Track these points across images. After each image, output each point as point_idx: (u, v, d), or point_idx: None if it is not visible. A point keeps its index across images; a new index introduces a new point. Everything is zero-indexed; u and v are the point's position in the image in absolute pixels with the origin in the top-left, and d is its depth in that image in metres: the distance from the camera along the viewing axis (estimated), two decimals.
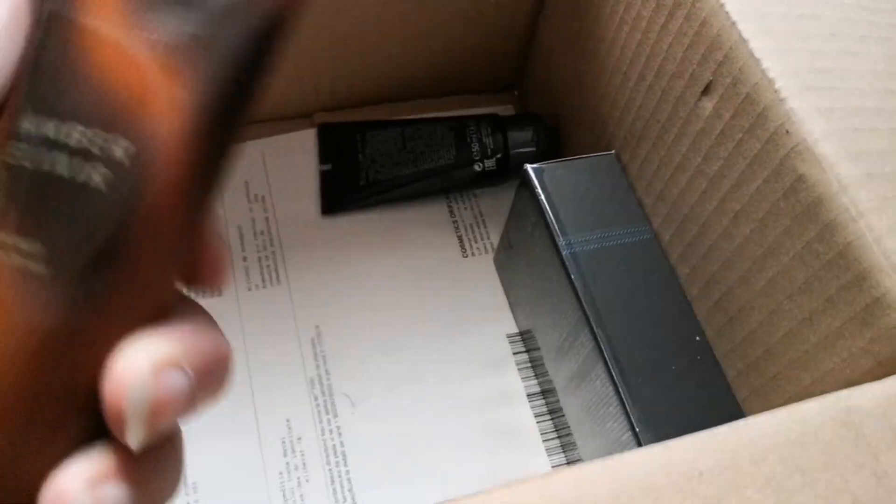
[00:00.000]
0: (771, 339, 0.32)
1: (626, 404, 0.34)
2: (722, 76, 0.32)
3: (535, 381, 0.47)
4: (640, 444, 0.34)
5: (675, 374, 0.35)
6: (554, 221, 0.38)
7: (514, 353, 0.48)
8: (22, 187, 0.15)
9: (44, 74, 0.15)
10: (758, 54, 0.30)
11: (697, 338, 0.36)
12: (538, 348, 0.46)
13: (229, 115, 0.15)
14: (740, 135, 0.31)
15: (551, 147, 0.52)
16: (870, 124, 0.29)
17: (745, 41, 0.30)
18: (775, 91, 0.29)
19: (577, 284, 0.37)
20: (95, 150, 0.14)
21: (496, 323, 0.50)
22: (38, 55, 0.15)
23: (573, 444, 0.43)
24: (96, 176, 0.14)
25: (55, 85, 0.15)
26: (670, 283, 0.38)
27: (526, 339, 0.48)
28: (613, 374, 0.35)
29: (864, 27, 0.33)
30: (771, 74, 0.29)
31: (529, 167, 0.40)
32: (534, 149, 0.52)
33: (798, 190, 0.28)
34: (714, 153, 0.33)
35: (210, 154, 0.15)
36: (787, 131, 0.29)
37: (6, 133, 0.15)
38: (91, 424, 0.16)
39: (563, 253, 0.38)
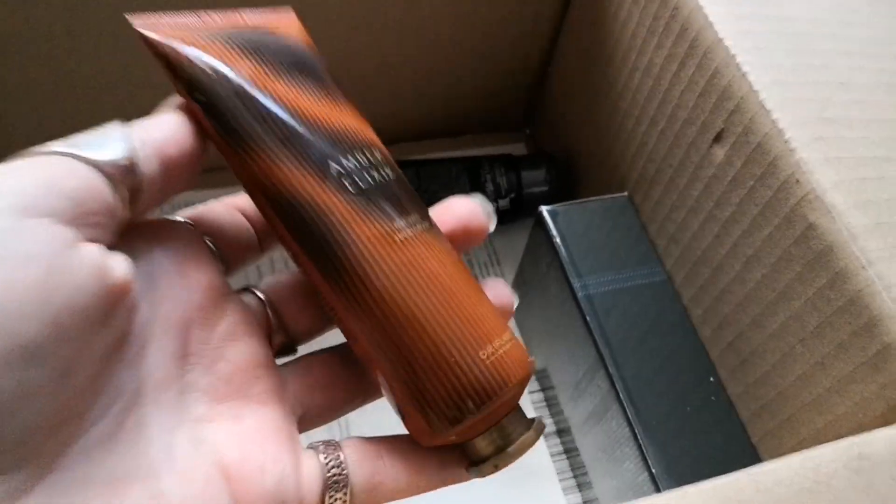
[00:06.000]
0: (784, 382, 0.32)
1: (643, 445, 0.35)
2: (733, 125, 0.33)
3: (551, 420, 0.48)
4: (656, 485, 0.34)
5: (689, 414, 0.36)
6: (569, 263, 0.39)
7: (530, 392, 0.49)
8: None
9: None
10: (768, 105, 0.31)
11: (711, 378, 0.37)
12: (553, 387, 0.46)
13: None
14: (752, 182, 0.32)
15: (563, 186, 0.53)
16: (878, 173, 0.29)
17: (755, 92, 0.31)
18: (785, 141, 0.30)
19: (593, 326, 0.37)
20: None
21: None
22: None
23: (589, 483, 0.44)
24: None
25: None
26: (683, 325, 0.38)
27: (541, 378, 0.49)
28: (629, 415, 0.35)
29: (872, 76, 0.33)
30: (781, 125, 0.30)
31: (544, 209, 0.41)
32: (546, 188, 0.53)
33: (809, 237, 0.29)
34: (726, 199, 0.34)
35: None
36: (798, 180, 0.29)
37: None
38: None
39: (578, 295, 0.38)
